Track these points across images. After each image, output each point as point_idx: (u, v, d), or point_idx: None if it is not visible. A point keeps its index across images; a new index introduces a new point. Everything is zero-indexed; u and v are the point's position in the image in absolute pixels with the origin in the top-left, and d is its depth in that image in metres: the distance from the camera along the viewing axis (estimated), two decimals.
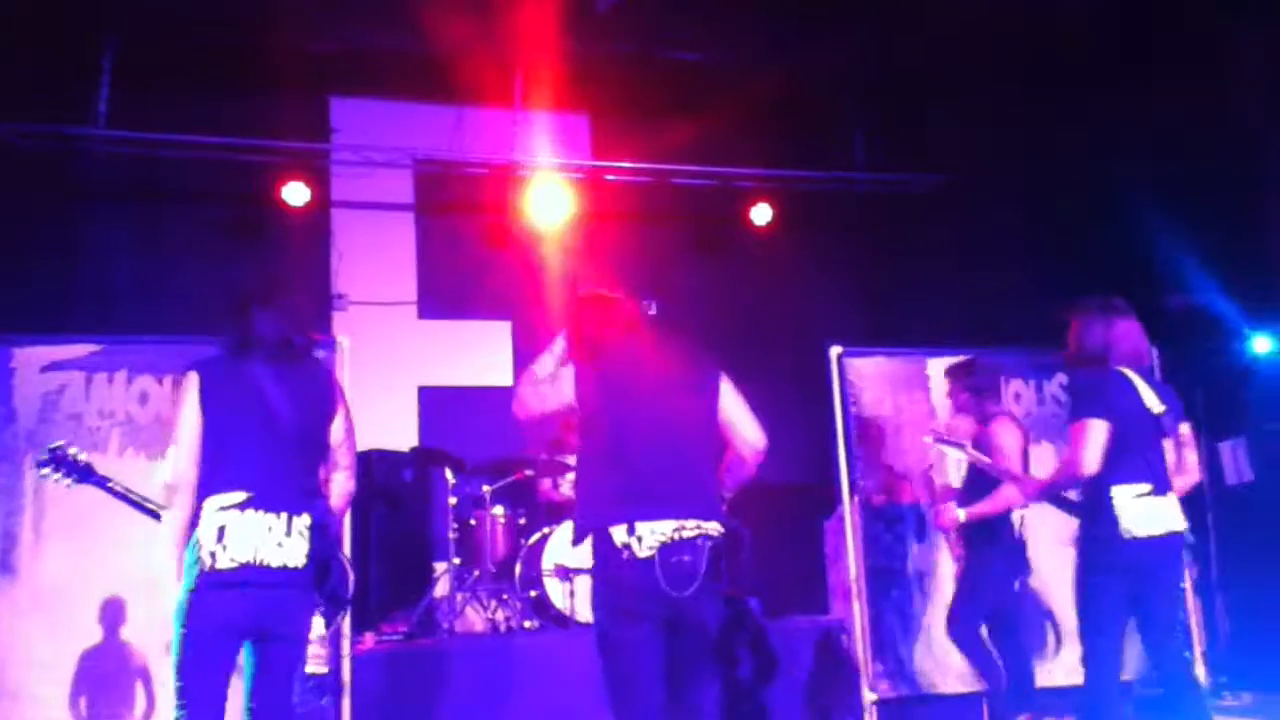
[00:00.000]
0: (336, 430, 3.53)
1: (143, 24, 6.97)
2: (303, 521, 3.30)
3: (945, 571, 6.35)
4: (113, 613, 5.18)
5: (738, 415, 3.51)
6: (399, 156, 8.06)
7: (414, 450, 7.20)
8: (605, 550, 3.28)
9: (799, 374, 7.03)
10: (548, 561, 6.30)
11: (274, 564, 3.23)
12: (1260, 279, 6.52)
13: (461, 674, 5.71)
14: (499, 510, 6.74)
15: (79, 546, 5.18)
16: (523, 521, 6.76)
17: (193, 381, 3.34)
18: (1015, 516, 5.29)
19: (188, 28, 7.02)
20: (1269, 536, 6.40)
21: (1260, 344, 6.48)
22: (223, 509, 3.22)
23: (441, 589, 6.85)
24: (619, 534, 3.23)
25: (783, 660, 6.13)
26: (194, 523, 3.25)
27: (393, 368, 7.55)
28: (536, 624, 6.34)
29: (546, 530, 6.42)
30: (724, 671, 5.78)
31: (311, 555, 3.30)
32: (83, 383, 5.47)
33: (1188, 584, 6.55)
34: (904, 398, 6.59)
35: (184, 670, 3.19)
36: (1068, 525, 6.48)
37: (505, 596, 6.43)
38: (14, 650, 5.14)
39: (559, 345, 3.59)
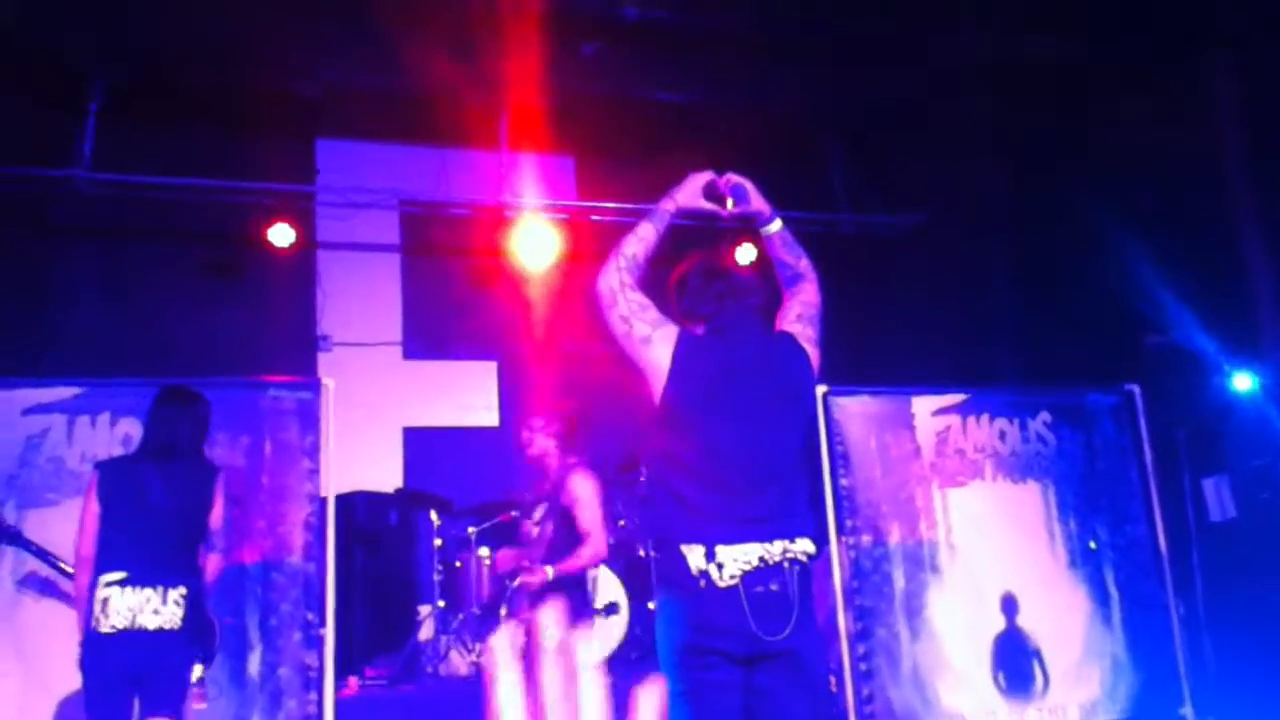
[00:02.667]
0: (214, 518, 4.32)
1: (127, 65, 6.99)
2: (178, 592, 4.12)
3: (936, 610, 6.34)
4: None
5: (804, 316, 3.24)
6: (384, 198, 8.06)
7: (399, 492, 7.18)
8: (679, 577, 2.87)
9: None
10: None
11: (150, 627, 4.06)
12: (1239, 316, 6.57)
13: (445, 718, 5.66)
14: (484, 552, 6.71)
15: (56, 590, 5.13)
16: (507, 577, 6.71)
17: (94, 477, 4.26)
18: (590, 575, 5.17)
19: (172, 69, 7.04)
20: (1254, 573, 6.41)
21: (1240, 381, 6.51)
22: (108, 584, 4.07)
23: (426, 632, 6.80)
24: (697, 559, 2.84)
25: None
26: (90, 592, 4.09)
27: (378, 409, 7.54)
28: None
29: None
30: None
31: (186, 619, 4.13)
32: (65, 425, 5.43)
33: (1174, 619, 6.58)
34: (889, 436, 6.60)
35: (89, 714, 4.08)
36: (1054, 565, 6.54)
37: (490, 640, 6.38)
38: None
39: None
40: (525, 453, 5.15)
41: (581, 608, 4.98)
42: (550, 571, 4.81)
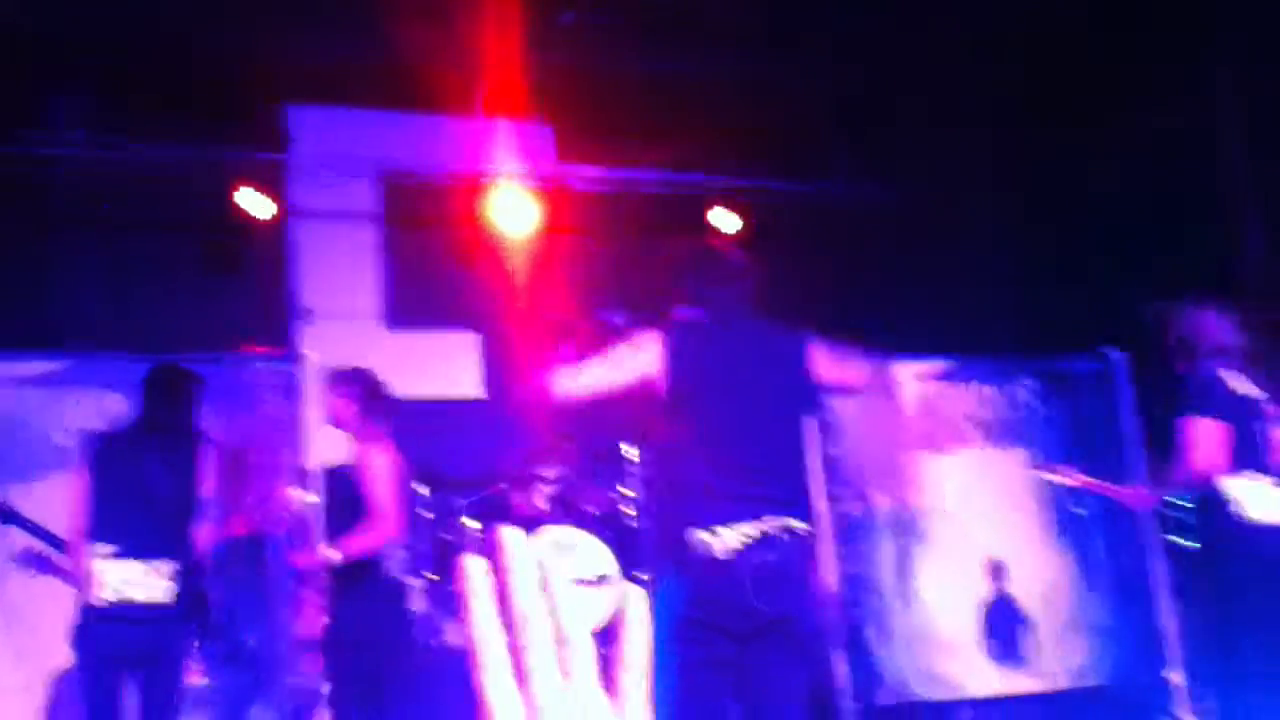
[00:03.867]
0: (207, 490, 4.30)
1: (100, 36, 6.82)
2: (169, 568, 4.10)
3: (925, 577, 6.38)
4: None
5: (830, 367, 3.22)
6: (361, 166, 7.94)
7: None
8: (681, 553, 2.98)
9: None
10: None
11: (141, 600, 4.04)
12: (1227, 285, 6.62)
13: (439, 692, 5.63)
14: (474, 524, 6.65)
15: (49, 566, 5.04)
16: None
17: (85, 451, 4.26)
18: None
19: (149, 41, 6.88)
20: None
21: None
22: (100, 557, 4.04)
23: (418, 605, 6.75)
24: (697, 534, 2.94)
25: None
26: (84, 566, 4.07)
27: None
28: None
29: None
30: None
31: (179, 593, 4.11)
32: (48, 400, 5.36)
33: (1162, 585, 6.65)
34: (877, 404, 6.60)
35: (83, 690, 4.07)
36: (1042, 532, 6.59)
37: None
38: None
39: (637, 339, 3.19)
40: (328, 416, 4.72)
41: (375, 593, 4.57)
42: (334, 554, 4.41)
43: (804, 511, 3.04)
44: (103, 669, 4.10)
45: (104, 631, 4.05)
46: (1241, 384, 4.06)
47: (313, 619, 4.60)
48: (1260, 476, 3.95)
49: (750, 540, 2.90)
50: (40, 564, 5.07)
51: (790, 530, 2.97)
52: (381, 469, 4.55)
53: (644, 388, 3.10)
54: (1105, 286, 7.36)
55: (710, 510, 2.94)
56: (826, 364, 3.21)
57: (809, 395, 3.20)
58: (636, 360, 3.11)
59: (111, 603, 4.04)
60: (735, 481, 2.97)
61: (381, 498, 4.47)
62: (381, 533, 4.47)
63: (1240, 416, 3.97)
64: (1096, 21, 6.81)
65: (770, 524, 2.94)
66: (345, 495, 4.57)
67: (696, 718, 2.92)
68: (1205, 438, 3.87)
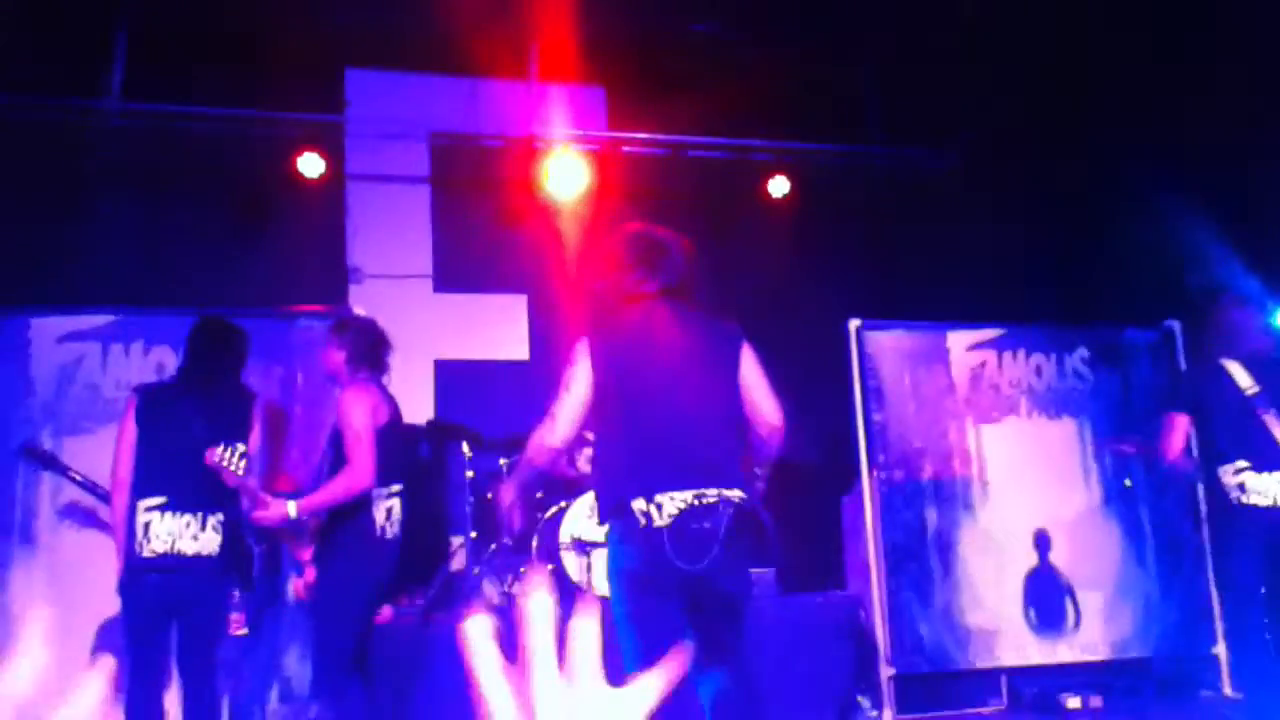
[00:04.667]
0: (252, 445, 4.32)
1: None
2: (216, 518, 4.16)
3: (967, 547, 6.32)
4: None
5: (755, 385, 3.46)
6: (414, 129, 8.00)
7: (430, 424, 7.18)
8: (625, 522, 3.21)
9: (817, 349, 6.97)
10: (564, 535, 6.29)
11: (189, 553, 4.10)
12: None
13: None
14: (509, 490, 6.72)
15: (96, 518, 5.19)
16: (539, 495, 6.73)
17: (132, 403, 4.29)
18: (380, 510, 4.30)
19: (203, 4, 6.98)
20: None
21: None
22: (149, 509, 4.10)
23: (458, 563, 6.86)
24: (638, 505, 3.16)
25: (799, 636, 6.12)
26: (129, 517, 4.11)
27: (409, 341, 7.47)
28: (554, 598, 6.31)
29: (563, 504, 6.40)
30: None
31: (224, 545, 4.16)
32: (99, 354, 5.47)
33: (1208, 559, 6.52)
34: (923, 371, 6.55)
35: (128, 638, 4.14)
36: (1088, 503, 6.49)
37: (523, 570, 6.42)
38: (34, 620, 5.15)
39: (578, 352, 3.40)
40: (322, 366, 4.62)
41: (358, 545, 4.27)
42: (291, 507, 4.13)
43: (738, 481, 3.25)
44: (150, 618, 4.18)
45: (153, 582, 4.12)
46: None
47: (303, 577, 4.54)
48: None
49: (686, 507, 3.14)
50: (85, 518, 5.22)
51: (724, 498, 3.19)
52: (357, 416, 4.24)
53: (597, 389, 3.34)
54: (1164, 256, 7.20)
55: (650, 481, 3.18)
56: (752, 376, 3.46)
57: (735, 385, 3.42)
58: (579, 371, 3.33)
59: (161, 554, 4.10)
60: (671, 454, 3.21)
61: (353, 446, 4.17)
62: (350, 482, 4.15)
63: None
64: None
65: (705, 494, 3.17)
66: (331, 444, 4.44)
67: (655, 655, 3.00)
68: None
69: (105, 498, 4.92)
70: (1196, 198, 6.64)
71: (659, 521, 3.13)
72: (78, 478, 5.03)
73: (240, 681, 5.25)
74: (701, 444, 3.26)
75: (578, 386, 3.33)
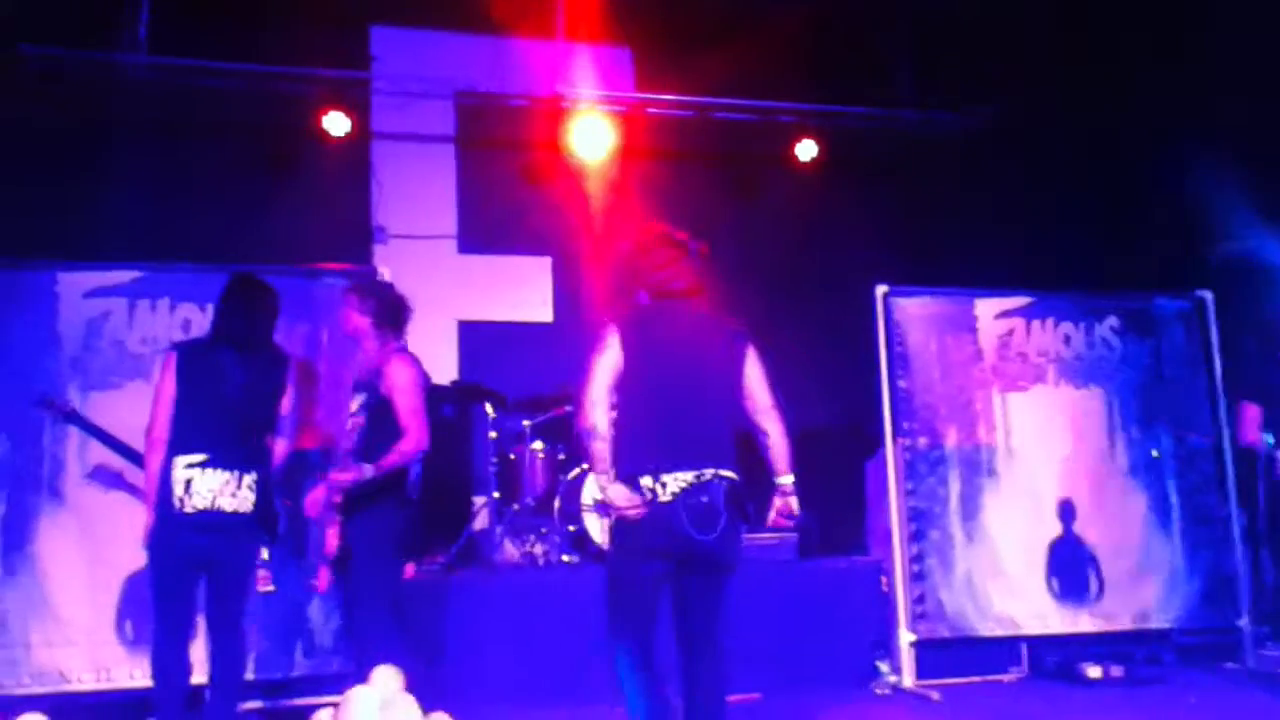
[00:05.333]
0: (284, 405, 4.43)
1: None
2: (251, 478, 4.23)
3: (991, 514, 6.29)
4: None
5: (756, 381, 3.83)
6: (440, 87, 7.94)
7: (454, 385, 7.19)
8: (635, 495, 3.61)
9: (843, 314, 6.93)
10: (586, 497, 6.30)
11: (227, 510, 4.17)
12: None
13: (499, 606, 5.75)
14: (538, 445, 6.74)
15: (114, 470, 5.22)
16: (562, 457, 6.75)
17: (172, 360, 4.30)
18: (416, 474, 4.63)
19: None
20: None
21: None
22: (189, 466, 4.14)
23: (481, 522, 6.88)
24: (646, 482, 3.58)
25: (820, 600, 6.12)
26: (165, 473, 4.13)
27: (433, 301, 7.44)
28: (575, 559, 6.35)
29: (586, 466, 6.40)
30: None
31: (257, 503, 4.24)
32: (126, 309, 5.48)
33: (1235, 531, 6.48)
34: (950, 339, 6.50)
35: (157, 591, 4.20)
36: (1114, 472, 6.44)
37: (544, 531, 6.44)
38: (61, 574, 5.21)
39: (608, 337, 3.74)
40: (343, 327, 4.80)
41: (397, 513, 4.58)
42: (368, 469, 4.40)
43: (732, 463, 3.68)
44: (182, 573, 4.21)
45: (189, 538, 4.15)
46: None
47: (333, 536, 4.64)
48: None
49: (688, 485, 3.57)
50: (112, 479, 5.25)
51: (720, 477, 3.62)
52: (407, 381, 4.53)
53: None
54: (1197, 224, 7.12)
55: (656, 461, 3.59)
56: (754, 373, 3.84)
57: (738, 382, 3.82)
58: (608, 362, 3.68)
59: (202, 510, 4.14)
60: (676, 438, 3.62)
61: (411, 416, 4.47)
62: (413, 448, 4.47)
63: None
64: None
65: (703, 473, 3.59)
66: (373, 409, 4.59)
67: (637, 614, 3.63)
68: None
69: (123, 451, 4.98)
70: (1231, 165, 6.55)
71: (663, 498, 3.56)
72: (100, 432, 5.02)
73: (266, 636, 5.30)
74: (704, 430, 3.68)
75: (603, 373, 3.68)
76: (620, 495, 3.59)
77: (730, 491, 3.62)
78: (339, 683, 5.35)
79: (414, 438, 4.45)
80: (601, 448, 3.63)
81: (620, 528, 3.67)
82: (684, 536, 3.54)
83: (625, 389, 3.69)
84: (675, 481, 3.57)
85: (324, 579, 4.92)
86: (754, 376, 3.82)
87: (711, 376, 3.75)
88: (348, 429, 4.70)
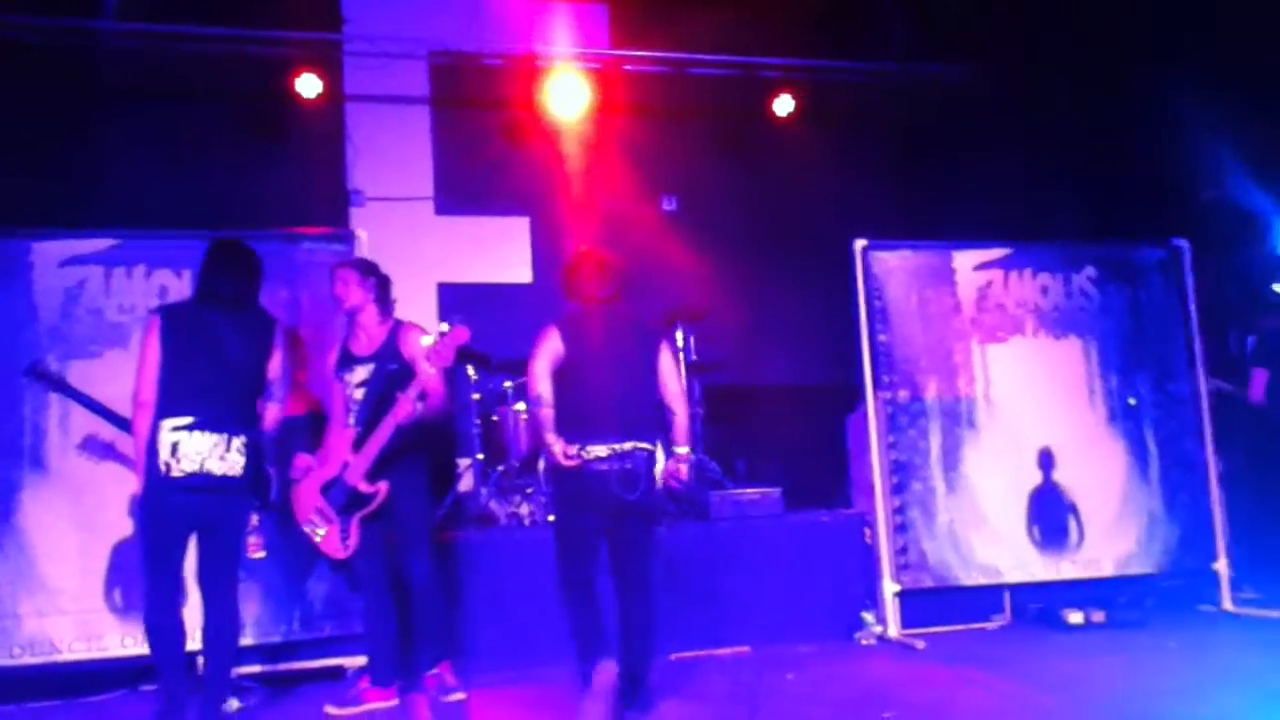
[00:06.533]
0: (273, 368, 4.44)
1: None
2: (240, 440, 4.21)
3: (972, 465, 6.35)
4: None
5: (668, 371, 4.61)
6: (414, 47, 7.87)
7: None
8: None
9: (824, 269, 6.95)
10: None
11: (217, 473, 4.15)
12: None
13: (485, 566, 5.77)
14: (521, 406, 6.74)
15: (105, 441, 5.21)
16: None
17: (155, 323, 4.25)
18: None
19: None
20: None
21: None
22: (176, 429, 4.11)
23: (466, 483, 6.90)
24: (575, 449, 4.31)
25: (805, 553, 6.17)
26: (152, 437, 4.11)
27: (411, 264, 7.43)
28: None
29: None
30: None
31: (247, 467, 4.23)
32: (102, 277, 5.43)
33: (1213, 477, 6.57)
34: (929, 291, 6.52)
35: (148, 556, 4.17)
36: (1094, 421, 6.50)
37: (529, 490, 6.46)
38: (48, 544, 5.20)
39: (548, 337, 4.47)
40: (342, 303, 4.95)
41: (431, 464, 5.05)
42: (420, 406, 4.67)
43: (652, 437, 4.48)
44: (172, 537, 4.18)
45: (180, 501, 4.11)
46: None
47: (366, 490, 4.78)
48: None
49: (614, 453, 4.34)
50: (104, 450, 5.23)
51: (639, 449, 4.40)
52: (419, 346, 4.73)
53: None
54: (1175, 172, 7.14)
55: (587, 435, 4.33)
56: (666, 365, 4.62)
57: (654, 372, 4.58)
58: (550, 348, 4.43)
59: (190, 473, 4.09)
60: (602, 416, 4.37)
61: (435, 383, 4.75)
62: (441, 404, 4.86)
63: None
64: None
65: (624, 445, 4.36)
66: (392, 375, 4.78)
67: (578, 556, 4.43)
68: None
69: (112, 418, 4.96)
70: (1210, 112, 6.56)
71: (592, 463, 4.32)
72: (85, 399, 5.02)
73: (261, 603, 5.30)
74: (624, 411, 4.42)
75: (546, 355, 4.43)
76: (560, 449, 4.29)
77: (648, 459, 4.43)
78: (333, 647, 5.41)
79: (439, 398, 4.84)
80: (548, 413, 4.35)
81: (561, 488, 4.48)
82: (614, 496, 4.32)
83: (560, 378, 4.41)
84: (601, 449, 4.32)
85: (354, 534, 4.85)
86: (666, 368, 4.60)
87: (630, 367, 4.51)
88: (350, 395, 4.86)
